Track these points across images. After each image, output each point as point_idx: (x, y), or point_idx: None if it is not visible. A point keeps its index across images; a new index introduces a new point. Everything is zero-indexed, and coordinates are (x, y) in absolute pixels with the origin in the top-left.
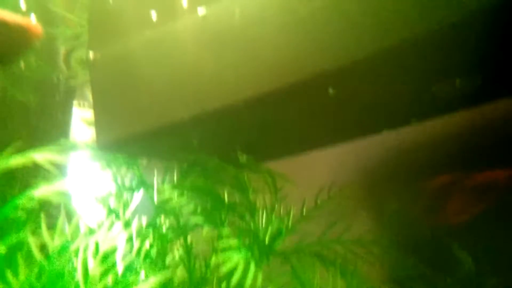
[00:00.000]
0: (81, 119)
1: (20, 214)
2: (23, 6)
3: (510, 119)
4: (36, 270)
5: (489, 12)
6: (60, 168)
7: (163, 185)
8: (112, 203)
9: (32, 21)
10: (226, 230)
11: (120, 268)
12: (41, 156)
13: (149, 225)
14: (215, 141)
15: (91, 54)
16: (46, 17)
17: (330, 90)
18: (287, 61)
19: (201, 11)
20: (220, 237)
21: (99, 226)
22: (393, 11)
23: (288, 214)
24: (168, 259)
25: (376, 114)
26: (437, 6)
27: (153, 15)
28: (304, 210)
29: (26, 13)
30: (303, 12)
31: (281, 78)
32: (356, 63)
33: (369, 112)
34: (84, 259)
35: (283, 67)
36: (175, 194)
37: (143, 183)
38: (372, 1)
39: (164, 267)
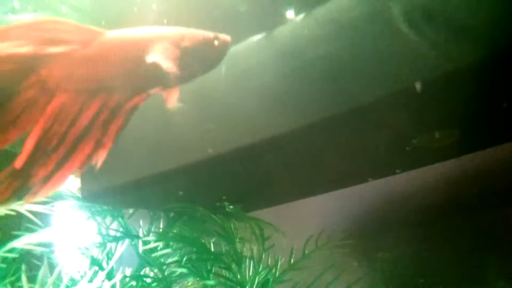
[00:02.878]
0: None
1: (1, 265)
2: None
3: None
4: None
5: (467, 71)
6: (44, 218)
7: (148, 235)
8: (96, 253)
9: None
10: (212, 281)
11: None
12: (24, 206)
13: (133, 276)
14: (201, 191)
15: None
16: None
17: (317, 142)
18: (273, 113)
19: None
20: None
21: (82, 277)
22: (376, 69)
23: (275, 264)
24: None
25: (361, 165)
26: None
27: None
28: (293, 259)
29: None
30: (290, 67)
31: (267, 130)
32: (336, 116)
33: (354, 163)
34: None
35: (268, 120)
36: (160, 244)
37: (128, 233)
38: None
39: None
